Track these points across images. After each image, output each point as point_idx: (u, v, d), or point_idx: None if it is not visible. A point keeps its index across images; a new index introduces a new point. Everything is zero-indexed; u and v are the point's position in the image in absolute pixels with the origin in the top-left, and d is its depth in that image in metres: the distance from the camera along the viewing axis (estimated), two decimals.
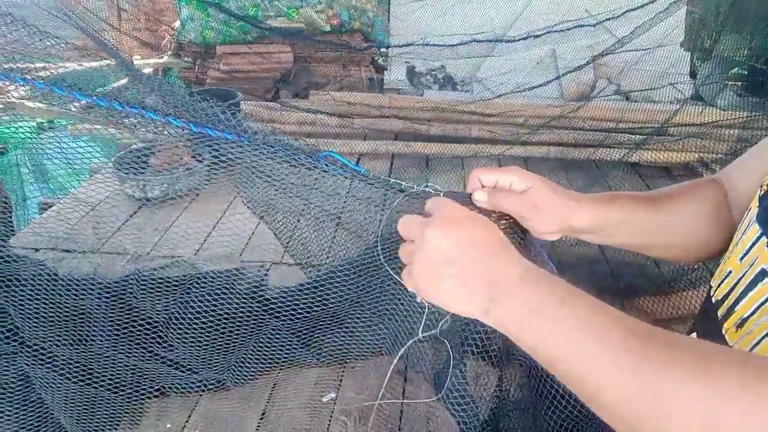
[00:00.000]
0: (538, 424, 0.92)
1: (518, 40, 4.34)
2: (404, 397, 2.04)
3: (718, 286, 0.65)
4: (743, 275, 0.60)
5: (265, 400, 2.02)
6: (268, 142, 0.73)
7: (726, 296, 0.63)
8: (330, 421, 1.96)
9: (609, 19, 4.16)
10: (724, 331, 0.60)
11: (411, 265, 0.61)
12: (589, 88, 5.21)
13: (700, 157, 3.93)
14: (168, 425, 1.90)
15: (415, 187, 0.73)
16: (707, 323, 0.66)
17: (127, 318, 1.53)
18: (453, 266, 0.58)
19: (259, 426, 1.93)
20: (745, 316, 0.58)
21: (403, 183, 0.74)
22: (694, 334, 0.70)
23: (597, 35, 4.38)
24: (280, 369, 2.04)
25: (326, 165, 0.72)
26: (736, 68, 4.86)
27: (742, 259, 0.62)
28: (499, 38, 4.64)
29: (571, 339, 0.51)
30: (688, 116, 4.11)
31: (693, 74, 5.13)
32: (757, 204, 0.63)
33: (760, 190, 0.64)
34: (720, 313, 0.63)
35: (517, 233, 0.75)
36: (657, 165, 4.07)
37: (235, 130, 0.73)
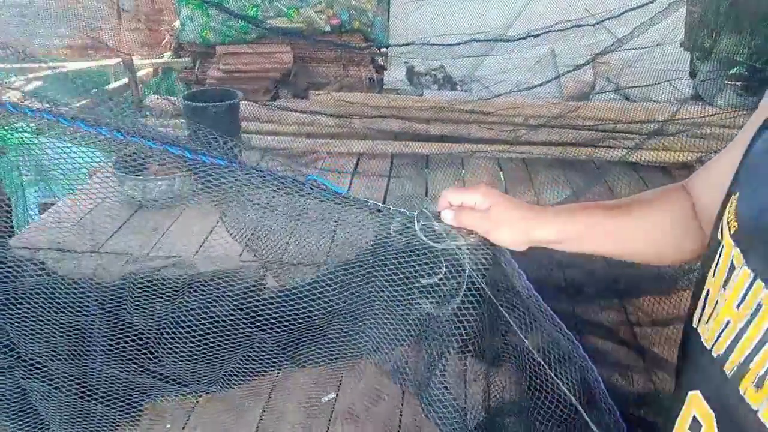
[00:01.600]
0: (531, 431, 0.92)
1: (517, 39, 4.33)
2: (403, 401, 2.04)
3: (717, 339, 0.60)
4: (746, 325, 0.56)
5: (264, 400, 2.02)
6: (256, 168, 0.77)
7: (730, 350, 0.58)
8: (330, 421, 1.96)
9: (608, 18, 4.15)
10: (742, 392, 0.55)
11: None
12: (589, 87, 5.21)
13: (699, 156, 3.93)
14: (167, 425, 1.91)
15: (391, 208, 0.84)
16: (708, 379, 0.61)
17: (122, 333, 1.54)
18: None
19: (258, 428, 1.94)
20: (762, 373, 0.54)
21: (381, 204, 0.84)
22: (697, 390, 0.63)
23: (596, 34, 4.37)
24: (278, 371, 2.04)
25: (311, 189, 0.77)
26: (736, 68, 4.85)
27: (738, 306, 0.58)
28: (499, 37, 4.63)
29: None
30: (687, 116, 4.11)
31: (693, 74, 5.12)
32: (732, 244, 0.59)
33: (729, 227, 0.60)
34: (727, 369, 0.58)
35: (486, 245, 0.85)
36: (656, 164, 4.08)
37: (227, 156, 0.77)
